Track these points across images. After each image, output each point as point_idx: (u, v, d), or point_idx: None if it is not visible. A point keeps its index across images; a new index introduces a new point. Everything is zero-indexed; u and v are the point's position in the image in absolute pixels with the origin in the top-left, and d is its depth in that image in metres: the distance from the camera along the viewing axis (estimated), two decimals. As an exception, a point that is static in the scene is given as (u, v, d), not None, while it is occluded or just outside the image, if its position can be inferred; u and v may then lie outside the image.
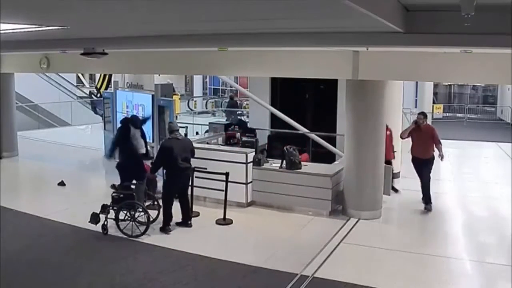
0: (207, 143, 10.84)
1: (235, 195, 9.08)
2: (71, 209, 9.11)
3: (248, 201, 9.39)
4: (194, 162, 9.24)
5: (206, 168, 9.00)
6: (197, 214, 8.85)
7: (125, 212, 7.84)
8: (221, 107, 27.12)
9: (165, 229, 7.95)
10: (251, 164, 9.39)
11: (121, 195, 7.99)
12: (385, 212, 8.99)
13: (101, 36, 6.84)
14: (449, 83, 32.56)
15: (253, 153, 9.61)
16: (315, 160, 11.19)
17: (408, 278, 6.49)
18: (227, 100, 25.91)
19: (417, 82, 22.36)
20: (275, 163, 9.54)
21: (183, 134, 12.68)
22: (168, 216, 8.00)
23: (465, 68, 7.78)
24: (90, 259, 7.03)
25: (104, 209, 7.88)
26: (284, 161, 9.26)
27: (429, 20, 4.79)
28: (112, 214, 7.84)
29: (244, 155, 9.35)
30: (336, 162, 10.57)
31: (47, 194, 10.04)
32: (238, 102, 27.90)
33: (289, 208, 9.17)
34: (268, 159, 9.97)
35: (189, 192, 8.75)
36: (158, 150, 8.36)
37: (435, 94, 28.42)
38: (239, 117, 18.04)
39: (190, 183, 8.45)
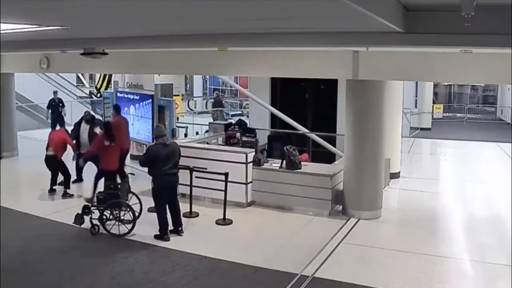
0: (207, 143, 10.84)
1: (235, 195, 9.08)
2: (71, 209, 9.09)
3: (248, 201, 9.39)
4: (194, 162, 9.28)
5: (206, 168, 9.00)
6: (197, 215, 8.85)
7: (110, 211, 7.84)
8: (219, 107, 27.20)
9: (163, 238, 7.63)
10: (251, 164, 9.38)
11: (106, 195, 7.95)
12: (385, 212, 8.99)
13: (101, 36, 6.84)
14: (449, 83, 32.54)
15: (253, 153, 9.61)
16: (315, 160, 11.20)
17: (408, 278, 6.48)
18: (212, 100, 25.89)
19: (417, 82, 22.36)
20: (275, 163, 9.54)
21: (183, 134, 12.86)
22: (164, 224, 7.69)
23: (465, 68, 7.78)
24: (90, 259, 7.03)
25: (86, 210, 7.90)
26: (284, 161, 9.26)
27: (429, 20, 4.80)
28: (97, 214, 7.85)
29: (244, 155, 9.34)
30: (336, 162, 10.58)
31: (47, 194, 10.02)
32: (239, 102, 27.99)
33: (289, 208, 9.16)
34: (268, 159, 9.97)
35: (191, 192, 8.76)
36: (144, 154, 7.99)
37: (435, 94, 28.40)
38: (239, 117, 18.06)
39: (177, 189, 8.11)
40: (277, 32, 5.80)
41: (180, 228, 7.91)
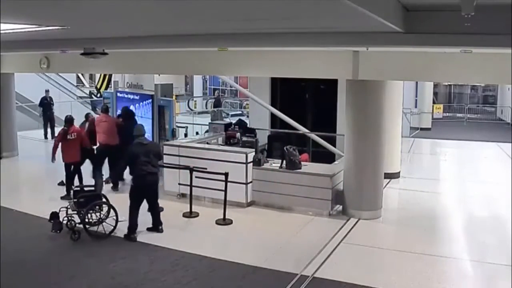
0: (207, 143, 10.84)
1: (235, 195, 9.08)
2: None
3: (248, 201, 9.39)
4: (194, 162, 9.28)
5: (206, 168, 9.00)
6: (197, 215, 8.85)
7: (92, 213, 7.76)
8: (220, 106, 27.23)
9: (129, 237, 7.62)
10: (251, 164, 9.38)
11: (86, 198, 7.83)
12: (385, 212, 8.99)
13: (101, 36, 6.84)
14: (449, 83, 32.54)
15: (253, 153, 9.61)
16: (315, 160, 11.20)
17: (408, 278, 6.48)
18: (212, 101, 25.99)
19: (417, 82, 22.36)
20: (275, 163, 9.54)
21: (183, 134, 12.85)
22: (133, 224, 7.67)
23: (465, 68, 7.78)
24: (90, 259, 7.03)
25: (55, 217, 7.84)
26: (284, 161, 9.25)
27: (429, 20, 4.80)
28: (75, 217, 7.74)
29: (244, 155, 9.34)
30: (336, 162, 10.58)
31: (47, 194, 10.02)
32: (239, 102, 28.00)
33: (289, 208, 9.16)
34: (268, 159, 9.97)
35: (191, 192, 8.73)
36: (124, 155, 8.10)
37: (435, 94, 28.41)
38: (239, 117, 18.05)
39: (157, 189, 8.00)
40: (277, 32, 5.80)
41: (160, 227, 7.89)
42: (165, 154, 9.99)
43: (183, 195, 9.67)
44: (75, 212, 7.75)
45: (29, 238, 7.80)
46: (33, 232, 8.01)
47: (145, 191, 7.79)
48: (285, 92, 13.46)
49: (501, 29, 4.45)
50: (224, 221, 8.51)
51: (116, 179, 10.13)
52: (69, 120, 9.95)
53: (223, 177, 8.67)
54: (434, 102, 26.24)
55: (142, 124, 9.10)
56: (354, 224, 8.48)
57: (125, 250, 7.32)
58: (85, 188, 8.12)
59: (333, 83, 11.86)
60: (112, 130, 10.45)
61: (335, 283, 6.30)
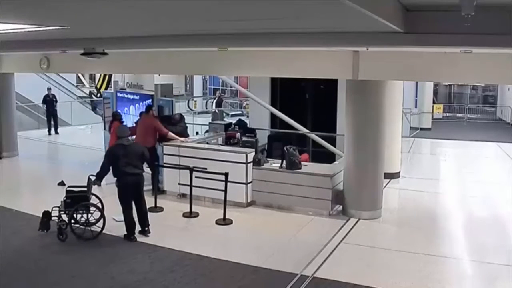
0: (207, 143, 10.85)
1: (235, 195, 9.08)
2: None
3: (248, 201, 9.39)
4: (194, 162, 9.29)
5: (206, 168, 9.01)
6: (197, 215, 8.86)
7: (79, 214, 7.71)
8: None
9: (129, 238, 7.63)
10: (251, 164, 9.38)
11: (74, 198, 7.76)
12: (385, 212, 8.99)
13: (101, 36, 6.84)
14: (449, 83, 32.54)
15: (253, 153, 9.61)
16: (315, 160, 11.20)
17: (408, 278, 6.47)
18: (214, 101, 26.10)
19: (417, 82, 22.35)
20: (275, 163, 9.54)
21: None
22: (130, 224, 7.67)
23: (465, 68, 7.77)
24: (90, 258, 7.03)
25: (48, 216, 7.83)
26: (284, 161, 9.26)
27: (429, 20, 4.80)
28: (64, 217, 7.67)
29: (244, 155, 9.34)
30: (336, 162, 10.58)
31: (47, 194, 10.01)
32: (239, 102, 28.01)
33: (289, 208, 9.16)
34: (268, 159, 9.97)
35: (191, 192, 8.72)
36: (104, 157, 8.09)
37: (435, 94, 28.42)
38: (239, 117, 18.03)
39: (142, 190, 7.87)
40: (277, 32, 5.80)
41: (146, 229, 7.80)
42: (165, 154, 10.02)
43: (183, 195, 9.67)
44: (63, 212, 7.71)
45: (29, 238, 7.79)
46: (33, 232, 8.00)
47: (132, 191, 7.72)
48: (285, 92, 13.47)
49: (501, 29, 4.45)
50: (224, 221, 8.51)
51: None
52: (113, 115, 11.11)
53: (223, 177, 8.67)
54: (434, 102, 26.24)
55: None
56: (354, 224, 8.49)
57: (125, 250, 7.32)
58: (76, 189, 8.08)
59: (333, 83, 11.86)
60: (143, 132, 10.02)
61: (335, 283, 6.30)
